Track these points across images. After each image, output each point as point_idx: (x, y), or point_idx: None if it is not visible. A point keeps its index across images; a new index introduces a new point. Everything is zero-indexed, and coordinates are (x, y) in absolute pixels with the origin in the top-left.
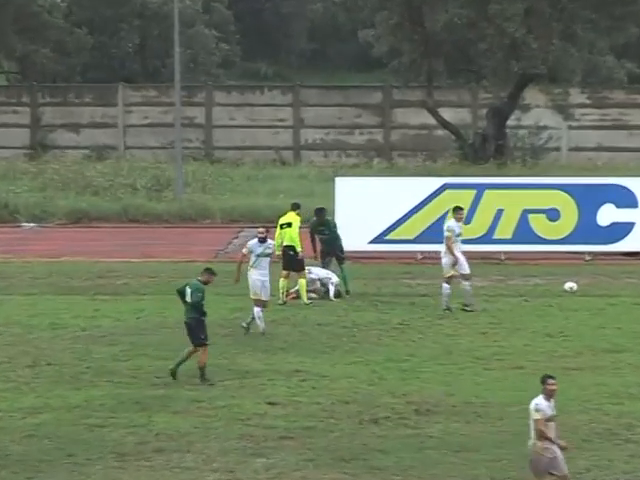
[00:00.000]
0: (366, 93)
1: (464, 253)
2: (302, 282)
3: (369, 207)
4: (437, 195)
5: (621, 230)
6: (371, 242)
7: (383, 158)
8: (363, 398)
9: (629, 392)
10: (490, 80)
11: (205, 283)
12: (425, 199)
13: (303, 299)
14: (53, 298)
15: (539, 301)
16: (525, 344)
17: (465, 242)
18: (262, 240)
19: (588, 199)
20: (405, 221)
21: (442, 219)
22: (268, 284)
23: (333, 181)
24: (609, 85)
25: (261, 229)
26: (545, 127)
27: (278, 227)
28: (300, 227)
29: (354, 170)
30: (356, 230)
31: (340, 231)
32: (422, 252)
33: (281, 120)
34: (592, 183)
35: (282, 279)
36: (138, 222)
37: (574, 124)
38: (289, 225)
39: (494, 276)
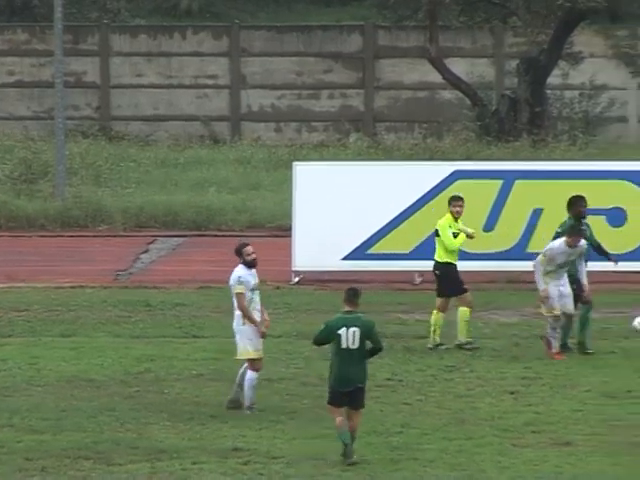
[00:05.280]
0: (338, 37)
1: (479, 271)
2: (462, 312)
3: (343, 207)
4: (444, 188)
5: None
6: (346, 258)
7: (364, 133)
8: None
9: None
10: (523, 17)
11: None
12: (427, 194)
13: (459, 336)
14: None
15: (595, 345)
16: (574, 409)
17: (485, 258)
18: (251, 264)
19: None
20: (396, 227)
21: None
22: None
23: (290, 168)
24: None
25: (249, 247)
26: (605, 87)
27: None
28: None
29: (321, 151)
30: (324, 240)
31: (303, 242)
32: (422, 273)
33: (212, 77)
34: None
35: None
36: None
37: None
38: (436, 233)
39: (528, 308)
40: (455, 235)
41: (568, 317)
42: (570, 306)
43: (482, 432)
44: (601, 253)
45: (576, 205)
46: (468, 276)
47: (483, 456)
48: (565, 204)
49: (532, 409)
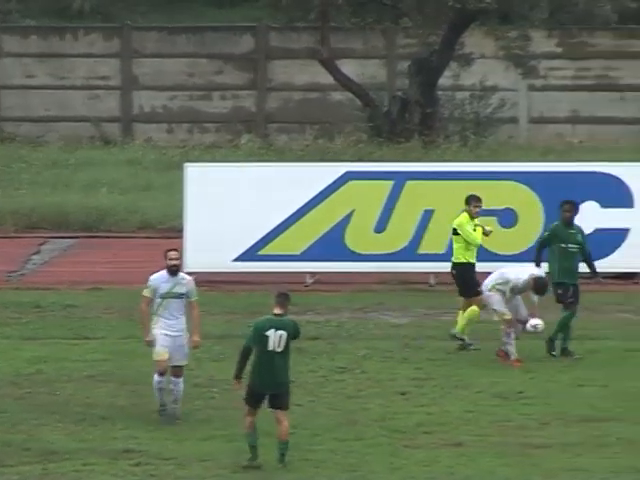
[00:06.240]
0: (230, 38)
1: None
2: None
3: (235, 208)
4: (336, 189)
5: (609, 241)
6: (237, 259)
7: (255, 134)
8: None
9: None
10: (414, 18)
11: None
12: (318, 195)
13: (457, 328)
14: None
15: (487, 346)
16: (466, 410)
17: (375, 259)
18: (173, 271)
19: (559, 195)
20: (288, 228)
21: (343, 224)
22: (184, 341)
23: (181, 169)
24: (590, 26)
25: (173, 252)
26: (495, 88)
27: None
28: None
29: (212, 152)
30: (215, 242)
31: (195, 243)
32: (313, 274)
33: (103, 78)
34: (565, 171)
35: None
36: None
37: (538, 83)
38: (454, 232)
39: (419, 309)
40: (473, 230)
41: (524, 323)
42: (523, 312)
43: (373, 433)
44: (588, 264)
45: (560, 210)
46: (359, 277)
47: (374, 457)
48: (456, 205)
49: (424, 410)
